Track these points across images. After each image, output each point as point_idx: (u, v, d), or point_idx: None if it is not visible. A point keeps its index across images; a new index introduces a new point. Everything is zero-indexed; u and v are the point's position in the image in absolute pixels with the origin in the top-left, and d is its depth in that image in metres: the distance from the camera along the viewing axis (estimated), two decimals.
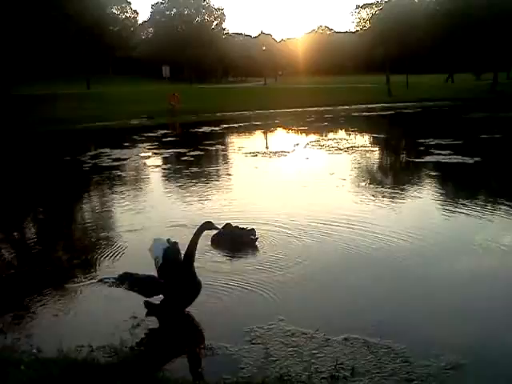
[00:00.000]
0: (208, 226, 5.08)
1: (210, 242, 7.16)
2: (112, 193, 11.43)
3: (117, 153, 16.92)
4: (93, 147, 20.43)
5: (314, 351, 4.30)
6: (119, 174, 13.62)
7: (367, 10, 63.71)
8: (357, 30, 67.65)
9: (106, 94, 38.71)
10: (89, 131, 26.72)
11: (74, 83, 46.75)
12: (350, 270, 6.18)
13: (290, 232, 7.64)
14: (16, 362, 3.98)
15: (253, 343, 4.45)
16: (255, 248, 7.06)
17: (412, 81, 51.23)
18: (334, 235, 7.45)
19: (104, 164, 14.84)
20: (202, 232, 5.04)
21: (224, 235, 7.12)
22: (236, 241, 7.11)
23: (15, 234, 8.90)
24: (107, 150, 17.55)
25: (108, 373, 3.75)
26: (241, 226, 7.37)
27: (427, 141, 17.37)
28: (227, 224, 7.33)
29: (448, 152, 14.78)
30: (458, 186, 11.64)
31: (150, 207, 9.69)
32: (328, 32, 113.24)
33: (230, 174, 13.66)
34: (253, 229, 7.33)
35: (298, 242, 7.18)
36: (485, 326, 4.80)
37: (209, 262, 6.51)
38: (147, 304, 5.06)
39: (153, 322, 4.96)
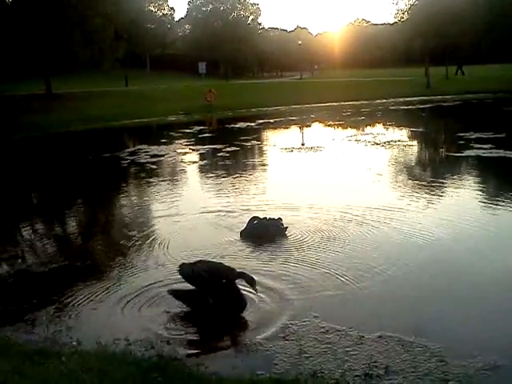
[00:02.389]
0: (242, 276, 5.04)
1: (238, 236, 7.31)
2: (149, 187, 11.69)
3: (154, 149, 17.19)
4: (131, 144, 20.86)
5: (348, 349, 4.28)
6: (156, 169, 13.90)
7: (405, 0, 62.38)
8: (395, 22, 66.22)
9: (144, 92, 39.26)
10: (127, 128, 27.22)
11: (113, 81, 47.61)
12: (385, 266, 6.08)
13: (321, 224, 7.74)
14: (57, 353, 4.12)
15: (287, 339, 4.47)
16: (284, 237, 7.18)
17: (452, 73, 49.96)
18: (367, 229, 7.45)
19: (142, 160, 15.11)
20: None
21: (252, 227, 7.27)
22: (264, 231, 7.20)
23: (58, 228, 9.22)
24: (145, 147, 17.85)
25: (144, 366, 3.84)
26: (268, 217, 7.47)
27: (467, 134, 16.92)
28: (254, 217, 7.47)
29: (489, 146, 14.36)
30: (501, 181, 11.30)
31: (186, 198, 10.32)
32: (365, 24, 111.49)
33: (264, 169, 13.77)
34: (280, 218, 7.43)
35: (330, 235, 7.25)
36: None
37: (239, 255, 6.64)
38: (172, 292, 5.14)
39: (187, 317, 5.04)
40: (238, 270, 5.10)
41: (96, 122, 27.24)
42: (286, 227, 7.40)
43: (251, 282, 4.98)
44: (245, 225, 7.46)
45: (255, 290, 5.00)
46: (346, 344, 4.35)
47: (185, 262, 5.56)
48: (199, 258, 5.67)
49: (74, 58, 33.94)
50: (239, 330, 4.81)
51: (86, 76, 45.51)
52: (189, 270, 5.13)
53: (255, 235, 7.23)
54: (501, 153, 13.37)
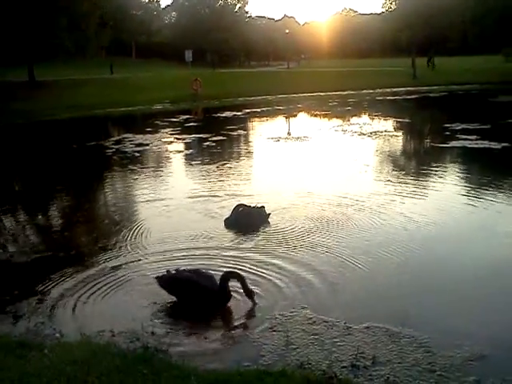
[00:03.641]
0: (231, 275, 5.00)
1: (223, 224, 7.38)
2: (134, 175, 11.65)
3: (139, 138, 17.01)
4: (116, 133, 20.63)
5: (335, 340, 4.26)
6: (142, 158, 13.79)
7: None
8: (382, 12, 66.29)
9: (129, 80, 38.83)
10: (111, 117, 26.92)
11: (98, 68, 47.00)
12: (370, 256, 6.06)
13: (305, 211, 7.94)
14: (39, 345, 4.04)
15: (274, 331, 4.43)
16: (268, 224, 7.34)
17: (439, 64, 50.11)
18: (351, 218, 7.51)
19: (127, 149, 14.94)
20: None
21: (236, 215, 7.38)
22: (248, 219, 7.31)
23: (40, 217, 9.07)
24: (130, 136, 17.65)
25: (129, 358, 3.78)
26: (252, 205, 7.64)
27: (453, 125, 16.99)
28: (239, 204, 7.61)
29: (475, 137, 14.44)
30: (486, 172, 11.35)
31: (172, 185, 10.45)
32: (352, 14, 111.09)
33: (250, 158, 13.79)
34: (263, 206, 7.62)
35: (313, 223, 7.34)
36: (510, 316, 4.70)
37: (224, 243, 6.65)
38: (159, 281, 5.08)
39: (173, 309, 4.98)
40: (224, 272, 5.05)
41: (80, 110, 26.89)
42: (269, 214, 7.57)
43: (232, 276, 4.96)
44: (229, 212, 7.54)
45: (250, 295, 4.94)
46: (334, 335, 4.33)
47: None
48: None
49: (59, 44, 33.31)
50: (225, 322, 4.77)
51: (70, 63, 44.77)
52: (169, 276, 5.07)
53: (239, 223, 7.31)
54: (486, 144, 13.45)
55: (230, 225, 7.33)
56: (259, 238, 6.90)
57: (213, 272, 5.25)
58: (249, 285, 4.96)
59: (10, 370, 3.54)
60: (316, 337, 4.31)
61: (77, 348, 3.94)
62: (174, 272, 5.10)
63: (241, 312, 4.85)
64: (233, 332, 4.50)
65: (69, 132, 21.63)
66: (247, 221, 7.27)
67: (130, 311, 4.86)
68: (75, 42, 33.42)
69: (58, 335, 4.41)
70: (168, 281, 5.04)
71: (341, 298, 5.08)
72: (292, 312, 4.73)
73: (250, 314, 4.78)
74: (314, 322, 4.56)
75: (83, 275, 5.76)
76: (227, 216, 7.51)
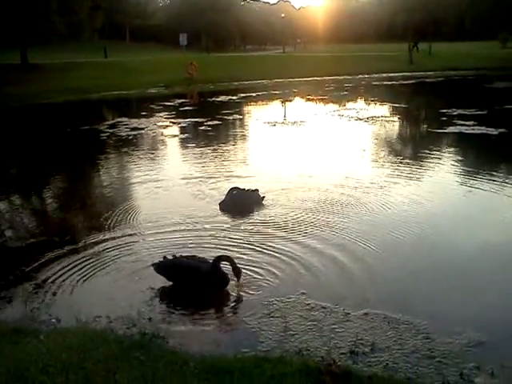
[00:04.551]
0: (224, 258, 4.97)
1: (217, 207, 7.42)
2: (130, 158, 11.62)
3: (134, 122, 16.85)
4: (110, 116, 20.43)
5: (334, 326, 4.23)
6: (137, 142, 13.67)
7: None
8: None
9: (123, 63, 38.41)
10: (106, 101, 26.65)
11: (92, 52, 46.49)
12: (369, 240, 6.03)
13: (299, 194, 8.01)
14: (35, 331, 3.99)
15: (272, 316, 4.40)
16: (262, 207, 7.41)
17: (436, 49, 49.87)
18: (347, 201, 7.56)
19: (122, 133, 14.79)
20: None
21: (230, 199, 7.44)
22: (243, 202, 7.37)
23: (35, 201, 8.97)
24: (125, 120, 17.49)
25: (126, 344, 3.74)
26: (246, 188, 7.69)
27: (450, 111, 16.93)
28: (233, 188, 7.65)
29: (471, 123, 14.39)
30: (483, 158, 11.33)
31: (167, 168, 10.53)
32: None
33: (246, 142, 13.76)
34: (257, 189, 7.70)
35: (309, 205, 7.42)
36: (508, 303, 4.69)
37: (218, 226, 6.65)
38: (157, 267, 5.04)
39: (170, 294, 4.94)
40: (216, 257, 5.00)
41: (74, 93, 26.60)
42: (263, 197, 7.61)
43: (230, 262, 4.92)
44: (224, 195, 7.59)
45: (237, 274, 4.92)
46: (332, 321, 4.30)
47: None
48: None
49: (51, 27, 32.81)
50: (223, 307, 4.72)
51: (63, 47, 44.36)
52: (166, 263, 5.04)
53: (233, 206, 7.34)
54: (483, 130, 13.40)
55: (225, 208, 7.36)
56: (253, 221, 6.90)
57: (206, 256, 5.20)
58: (237, 264, 4.93)
59: (5, 357, 3.49)
60: (314, 323, 4.29)
61: (73, 334, 3.90)
62: (171, 258, 5.05)
63: (238, 298, 4.81)
64: (230, 318, 4.47)
65: (63, 115, 21.40)
66: (241, 204, 7.32)
67: (127, 296, 4.81)
68: (68, 25, 32.93)
69: (54, 321, 4.37)
70: (165, 267, 4.99)
71: (339, 283, 5.03)
72: (290, 298, 4.70)
73: (248, 300, 4.74)
74: (313, 308, 4.53)
75: (79, 260, 5.69)
76: (222, 199, 7.54)
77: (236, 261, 5.03)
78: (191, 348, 3.87)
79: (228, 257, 5.02)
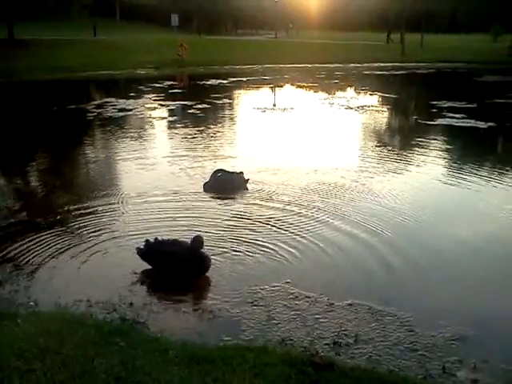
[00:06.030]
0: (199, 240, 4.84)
1: (202, 189, 7.41)
2: (116, 139, 11.48)
3: (122, 103, 16.59)
4: (98, 96, 20.10)
5: (318, 316, 4.20)
6: (123, 122, 13.48)
7: None
8: None
9: (113, 42, 37.75)
10: (93, 80, 26.20)
11: (81, 29, 45.61)
12: (354, 229, 5.99)
13: (282, 177, 8.09)
14: (13, 315, 3.88)
15: (255, 305, 4.35)
16: (246, 189, 7.44)
17: (427, 40, 49.76)
18: (332, 191, 7.53)
19: (109, 114, 14.56)
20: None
21: (214, 180, 7.44)
22: (226, 186, 7.37)
23: (18, 181, 8.78)
24: (112, 100, 17.21)
25: (106, 330, 3.65)
26: (231, 171, 7.70)
27: (440, 103, 16.92)
28: (218, 169, 7.65)
29: (461, 115, 14.40)
30: (472, 151, 11.33)
31: (153, 148, 10.54)
32: None
33: (234, 126, 13.67)
34: (242, 172, 7.70)
35: (293, 191, 7.44)
36: (492, 297, 4.69)
37: (202, 209, 6.65)
38: (140, 251, 4.95)
39: (152, 280, 4.86)
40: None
41: (62, 71, 26.09)
42: (248, 179, 7.61)
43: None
44: (208, 177, 7.57)
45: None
46: (316, 311, 4.27)
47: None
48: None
49: (39, 1, 32.07)
50: (206, 295, 4.66)
51: (52, 23, 43.46)
52: (148, 248, 4.94)
53: (218, 187, 7.34)
54: (472, 123, 13.42)
55: (208, 189, 7.35)
56: (237, 203, 6.90)
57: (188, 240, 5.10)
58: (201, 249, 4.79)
59: None
60: (298, 312, 4.24)
61: (51, 318, 3.80)
62: (152, 242, 4.94)
63: (222, 285, 4.74)
64: (213, 306, 4.39)
65: (49, 94, 20.99)
66: (226, 185, 7.32)
67: (108, 280, 4.72)
68: (56, 0, 32.23)
69: (32, 304, 4.26)
70: (147, 252, 4.90)
71: (324, 273, 4.99)
72: (274, 286, 4.64)
73: (231, 288, 4.67)
74: (297, 297, 4.48)
75: (60, 241, 5.58)
76: (206, 180, 7.52)
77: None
78: (172, 335, 3.80)
79: (199, 240, 4.83)
